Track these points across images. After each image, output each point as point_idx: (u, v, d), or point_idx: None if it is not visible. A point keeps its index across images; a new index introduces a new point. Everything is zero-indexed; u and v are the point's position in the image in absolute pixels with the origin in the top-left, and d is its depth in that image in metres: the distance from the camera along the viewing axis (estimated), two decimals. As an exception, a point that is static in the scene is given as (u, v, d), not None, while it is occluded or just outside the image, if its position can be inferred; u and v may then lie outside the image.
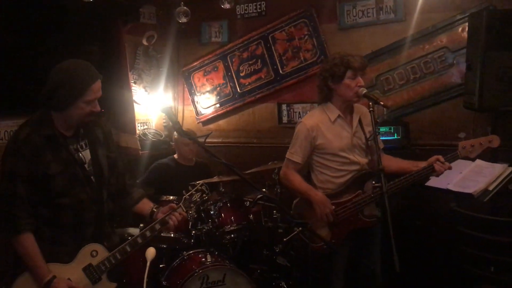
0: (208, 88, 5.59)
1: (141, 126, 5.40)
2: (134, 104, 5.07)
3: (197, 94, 5.66)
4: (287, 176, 3.17)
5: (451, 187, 3.27)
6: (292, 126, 3.24)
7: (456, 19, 4.28)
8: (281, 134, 5.16)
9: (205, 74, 5.58)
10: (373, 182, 3.07)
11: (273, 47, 5.16)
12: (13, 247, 2.35)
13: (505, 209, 3.58)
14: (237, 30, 5.37)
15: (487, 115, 3.92)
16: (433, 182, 2.96)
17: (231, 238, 3.96)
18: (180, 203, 2.68)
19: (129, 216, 3.64)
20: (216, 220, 3.98)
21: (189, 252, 3.71)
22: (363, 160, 3.08)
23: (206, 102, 5.63)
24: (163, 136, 5.49)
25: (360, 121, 3.11)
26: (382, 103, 2.87)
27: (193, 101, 5.70)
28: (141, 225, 3.69)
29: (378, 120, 4.29)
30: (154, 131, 5.48)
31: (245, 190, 4.49)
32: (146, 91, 5.48)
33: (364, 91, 2.95)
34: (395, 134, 4.27)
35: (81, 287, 2.41)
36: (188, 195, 2.71)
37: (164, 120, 5.64)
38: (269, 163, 4.32)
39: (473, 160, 3.15)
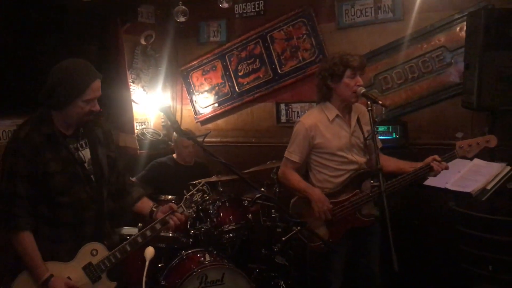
0: (207, 87, 5.59)
1: (139, 125, 5.40)
2: (133, 104, 5.06)
3: (196, 93, 5.66)
4: (285, 175, 3.17)
5: (450, 186, 3.27)
6: (291, 126, 3.24)
7: (454, 18, 4.29)
8: (279, 133, 5.17)
9: (204, 73, 5.58)
10: (372, 181, 3.07)
11: (271, 47, 5.16)
12: (12, 246, 2.35)
13: (503, 208, 3.58)
14: (236, 30, 5.37)
15: (485, 114, 3.92)
16: (431, 181, 2.97)
17: (229, 237, 3.96)
18: (181, 203, 2.67)
19: (127, 216, 3.63)
20: (215, 219, 3.98)
21: (187, 252, 3.71)
22: (362, 160, 3.08)
23: (205, 102, 5.63)
24: (162, 135, 5.48)
25: (358, 121, 3.11)
26: (380, 102, 2.88)
27: (191, 101, 5.70)
28: (139, 224, 3.69)
29: (376, 120, 4.29)
30: (152, 130, 5.48)
31: (243, 189, 4.49)
32: (144, 90, 5.47)
33: (363, 91, 2.95)
34: (394, 134, 4.27)
35: (80, 286, 2.41)
36: (189, 195, 2.71)
37: (163, 120, 5.64)
38: (268, 163, 4.32)
39: (471, 159, 3.15)
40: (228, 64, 5.41)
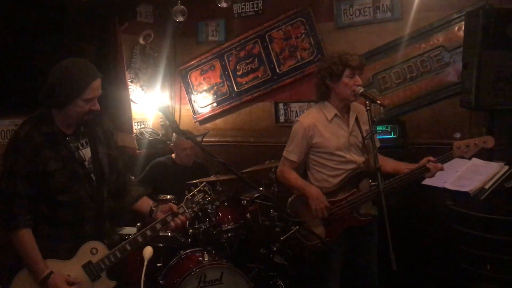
0: (205, 87, 5.59)
1: (138, 125, 5.39)
2: (131, 103, 5.05)
3: (194, 93, 5.66)
4: (283, 173, 3.18)
5: (448, 185, 3.28)
6: (289, 125, 3.24)
7: (453, 18, 4.29)
8: (278, 133, 5.17)
9: (202, 73, 5.58)
10: (370, 181, 3.07)
11: (270, 46, 5.16)
12: (12, 244, 2.36)
13: (502, 208, 3.59)
14: (234, 29, 5.37)
15: (483, 114, 3.93)
16: (429, 180, 2.97)
17: (228, 237, 3.97)
18: (182, 204, 2.67)
19: (126, 216, 3.64)
20: (214, 219, 3.98)
21: (186, 251, 3.72)
22: (360, 159, 3.08)
23: (203, 101, 5.63)
24: (160, 135, 5.48)
25: (357, 120, 3.11)
26: (379, 102, 2.88)
27: (190, 100, 5.70)
28: (138, 224, 3.69)
29: (375, 119, 4.29)
30: (151, 130, 5.48)
31: (242, 189, 4.49)
32: (143, 90, 5.47)
33: (361, 90, 2.95)
34: (392, 133, 4.28)
35: (80, 283, 2.41)
36: (190, 195, 2.70)
37: (161, 119, 5.63)
38: (266, 162, 4.32)
39: (469, 159, 3.15)
40: (227, 63, 5.41)
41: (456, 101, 4.11)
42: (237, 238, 4.04)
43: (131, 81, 5.27)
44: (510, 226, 3.40)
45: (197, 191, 2.71)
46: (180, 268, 3.54)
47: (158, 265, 3.76)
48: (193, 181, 3.95)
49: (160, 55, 5.61)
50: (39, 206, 2.38)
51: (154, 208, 2.70)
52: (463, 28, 3.98)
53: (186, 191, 2.73)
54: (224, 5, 4.93)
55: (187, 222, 3.81)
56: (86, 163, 2.49)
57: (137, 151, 4.99)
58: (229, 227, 3.96)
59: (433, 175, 2.94)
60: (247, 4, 5.22)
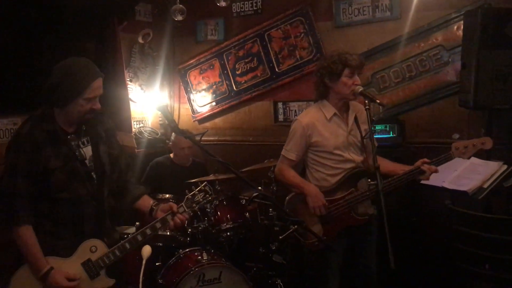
0: (204, 86, 5.59)
1: (137, 124, 5.40)
2: (130, 102, 5.06)
3: (193, 92, 5.66)
4: (282, 171, 3.19)
5: (446, 185, 3.28)
6: (288, 124, 3.24)
7: (452, 17, 4.29)
8: (277, 132, 5.16)
9: (201, 72, 5.58)
10: (369, 180, 3.07)
11: (269, 45, 5.16)
12: (13, 240, 2.38)
13: (500, 207, 3.59)
14: (233, 28, 5.37)
15: (482, 113, 3.93)
16: (428, 180, 2.97)
17: (227, 236, 3.97)
18: (182, 203, 2.67)
19: (126, 214, 3.64)
20: (212, 218, 3.98)
21: (185, 250, 3.71)
22: (358, 158, 3.09)
23: (202, 100, 5.62)
24: (159, 134, 5.49)
25: (356, 119, 3.11)
26: (378, 101, 2.87)
27: (189, 99, 5.70)
28: (137, 223, 3.70)
29: (373, 118, 4.30)
30: (150, 129, 5.48)
31: (241, 188, 4.49)
32: (142, 89, 5.47)
33: (360, 89, 2.95)
34: (391, 132, 4.28)
35: (79, 279, 2.43)
36: (191, 195, 2.70)
37: (160, 118, 5.64)
38: (265, 161, 4.32)
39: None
40: (226, 62, 5.41)
41: (455, 101, 4.12)
42: (236, 237, 4.03)
43: (130, 80, 5.27)
44: (509, 225, 3.40)
45: (197, 191, 2.71)
46: (179, 267, 3.54)
47: (157, 264, 3.76)
48: (193, 180, 3.97)
49: (159, 54, 5.60)
50: (40, 203, 2.40)
51: (154, 207, 2.71)
52: (462, 27, 3.98)
53: (186, 191, 2.73)
54: (223, 4, 4.93)
55: (186, 221, 3.84)
56: (87, 161, 2.51)
57: (136, 150, 4.99)
58: (228, 226, 3.96)
59: (427, 178, 2.93)
60: (246, 3, 5.22)
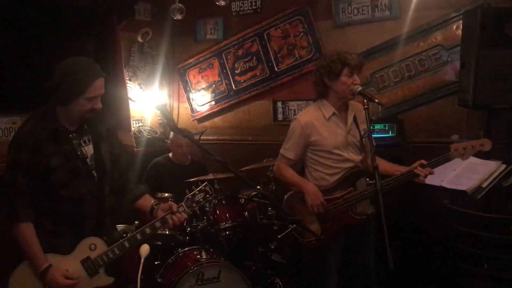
0: (203, 85, 5.59)
1: (136, 123, 5.40)
2: (129, 101, 5.06)
3: (192, 91, 5.66)
4: (280, 170, 3.19)
5: (445, 184, 3.29)
6: (287, 124, 3.24)
7: (451, 16, 4.30)
8: (276, 131, 5.16)
9: (200, 71, 5.58)
10: (367, 179, 3.08)
11: (268, 44, 5.16)
12: (13, 237, 2.39)
13: (499, 206, 3.60)
14: (232, 27, 5.37)
15: (481, 112, 3.94)
16: (427, 179, 2.97)
17: (226, 235, 3.97)
18: (182, 203, 2.68)
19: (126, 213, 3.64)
20: (211, 217, 3.99)
21: (184, 249, 3.72)
22: (357, 158, 3.09)
23: (201, 99, 5.62)
24: (158, 133, 5.49)
25: (355, 119, 3.11)
26: (377, 100, 2.87)
27: (188, 98, 5.70)
28: (136, 222, 3.70)
29: (373, 118, 4.30)
30: (149, 128, 5.48)
31: (240, 187, 4.50)
32: (141, 88, 5.47)
33: (359, 89, 2.95)
34: (390, 132, 4.29)
35: (77, 278, 2.43)
36: (191, 195, 2.70)
37: (159, 118, 5.64)
38: (264, 161, 4.32)
39: (465, 159, 3.16)
40: (225, 62, 5.41)
41: (454, 100, 4.12)
42: (235, 236, 4.04)
43: (129, 79, 5.27)
44: (507, 225, 3.41)
45: (198, 191, 2.71)
46: (178, 266, 3.54)
47: (156, 263, 3.76)
48: (192, 180, 3.98)
49: (158, 53, 5.60)
50: (40, 201, 2.42)
51: (155, 206, 2.71)
52: (461, 27, 3.98)
53: (187, 190, 2.73)
54: (222, 3, 4.92)
55: (185, 221, 3.85)
56: (88, 160, 2.52)
57: (135, 149, 4.99)
58: (227, 225, 3.97)
59: (422, 181, 2.93)
60: (246, 2, 5.22)
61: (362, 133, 3.06)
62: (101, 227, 2.55)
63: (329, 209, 3.00)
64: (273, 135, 5.17)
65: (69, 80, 2.36)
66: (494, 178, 3.22)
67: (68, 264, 2.43)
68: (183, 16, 4.97)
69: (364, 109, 2.85)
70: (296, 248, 3.98)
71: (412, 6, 4.41)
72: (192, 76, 5.63)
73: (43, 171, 2.37)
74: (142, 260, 2.26)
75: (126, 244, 2.54)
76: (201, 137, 2.48)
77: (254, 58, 5.25)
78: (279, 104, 5.23)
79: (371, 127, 2.89)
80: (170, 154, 4.59)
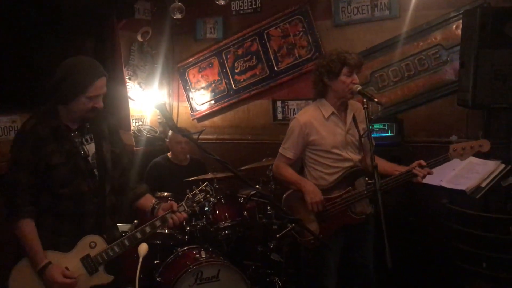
0: (203, 84, 5.59)
1: (135, 122, 5.40)
2: (129, 100, 5.06)
3: (192, 90, 5.66)
4: (279, 169, 3.19)
5: (444, 184, 3.29)
6: (287, 123, 3.24)
7: (450, 16, 4.30)
8: (275, 131, 5.16)
9: (200, 70, 5.58)
10: (366, 178, 3.08)
11: (268, 44, 5.16)
12: (14, 234, 2.41)
13: (498, 206, 3.60)
14: (232, 27, 5.37)
15: (480, 112, 3.94)
16: (426, 178, 2.98)
17: (225, 234, 3.97)
18: (182, 202, 2.68)
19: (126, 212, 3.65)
20: (211, 216, 3.99)
21: (183, 248, 3.72)
22: (356, 157, 3.09)
23: (201, 99, 5.63)
24: (158, 132, 5.49)
25: (354, 118, 3.11)
26: (376, 100, 2.87)
27: (188, 98, 5.70)
28: (135, 221, 3.70)
29: (372, 117, 4.30)
30: (149, 127, 5.48)
31: (239, 186, 4.50)
32: (141, 87, 5.47)
33: (359, 88, 2.95)
34: (389, 131, 4.28)
35: (77, 277, 2.44)
36: (191, 195, 2.71)
37: (159, 117, 5.64)
38: (264, 160, 4.33)
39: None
40: (225, 61, 5.41)
41: (453, 100, 4.12)
42: (234, 236, 4.04)
43: (129, 78, 5.27)
44: (507, 224, 3.41)
45: (198, 191, 2.72)
46: (177, 265, 3.54)
47: (155, 262, 3.76)
48: (191, 179, 3.98)
49: (158, 52, 5.60)
50: (41, 198, 2.43)
51: (156, 206, 2.73)
52: (461, 26, 3.98)
53: (187, 190, 2.74)
54: (222, 2, 4.92)
55: (184, 220, 3.85)
56: (89, 158, 2.54)
57: (135, 149, 4.99)
58: (226, 224, 3.97)
59: (420, 181, 2.93)
60: (245, 2, 5.22)
61: (362, 132, 3.06)
62: (101, 225, 2.56)
63: (328, 208, 3.00)
64: (272, 134, 5.17)
65: (71, 79, 2.38)
66: (493, 178, 3.22)
67: (68, 262, 2.45)
68: (183, 15, 4.98)
69: (364, 108, 2.85)
70: (295, 248, 3.98)
71: (412, 5, 4.41)
72: (192, 75, 5.63)
73: (45, 168, 2.39)
74: (140, 259, 2.27)
75: (126, 242, 2.55)
76: (201, 136, 2.48)
77: (254, 57, 5.25)
78: (279, 103, 5.23)
79: (370, 127, 2.88)
80: (169, 154, 4.59)
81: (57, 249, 2.45)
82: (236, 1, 5.25)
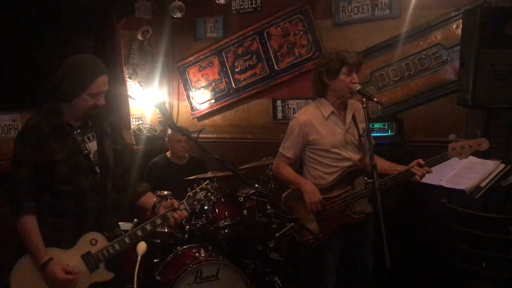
0: (203, 83, 5.59)
1: (136, 121, 5.40)
2: (129, 99, 5.06)
3: (192, 89, 5.66)
4: (279, 168, 3.20)
5: (444, 183, 3.29)
6: (287, 122, 3.25)
7: (451, 16, 4.30)
8: (275, 130, 5.16)
9: (200, 69, 5.58)
10: (366, 178, 3.08)
11: (268, 43, 5.16)
12: (16, 230, 2.43)
13: (497, 206, 3.60)
14: (233, 26, 5.37)
15: (480, 112, 3.93)
16: (425, 178, 2.97)
17: (225, 233, 3.98)
18: (183, 200, 2.69)
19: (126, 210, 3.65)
20: (210, 215, 3.99)
21: (183, 247, 3.72)
22: (356, 157, 3.09)
23: (201, 98, 5.63)
24: (158, 131, 5.49)
25: (353, 117, 3.11)
26: (375, 99, 2.86)
27: (188, 97, 5.70)
28: (135, 220, 3.70)
29: (372, 116, 4.30)
30: (149, 126, 5.48)
31: (239, 185, 4.50)
32: (141, 86, 5.47)
33: (358, 87, 2.95)
34: (389, 131, 4.28)
35: (78, 273, 2.46)
36: (192, 193, 2.72)
37: (159, 116, 5.64)
38: (264, 159, 4.33)
39: (464, 158, 3.16)
40: (225, 60, 5.41)
41: (453, 99, 4.12)
42: (233, 235, 4.04)
43: (129, 77, 5.27)
44: (506, 224, 3.41)
45: (199, 189, 2.72)
46: (176, 264, 3.55)
47: (155, 260, 3.76)
48: (191, 178, 3.98)
49: (158, 51, 5.60)
50: (43, 195, 2.45)
51: (157, 204, 2.74)
52: (461, 26, 3.98)
53: (188, 188, 2.74)
54: (222, 1, 4.93)
55: (184, 218, 3.86)
56: (91, 155, 2.56)
57: (135, 147, 4.99)
58: (225, 223, 3.97)
59: (419, 180, 2.93)
60: (246, 1, 5.23)
61: (361, 132, 3.06)
62: (102, 223, 2.57)
63: (327, 207, 3.00)
64: (272, 134, 5.17)
65: (73, 76, 2.41)
66: (493, 178, 3.22)
67: (69, 258, 2.46)
68: (183, 14, 4.98)
69: (363, 108, 2.84)
70: (295, 247, 3.99)
71: (412, 5, 4.41)
72: (192, 74, 5.63)
73: (47, 165, 2.41)
74: (139, 258, 2.27)
75: (127, 239, 2.56)
76: (201, 135, 2.49)
77: (254, 56, 5.25)
78: (279, 102, 5.23)
79: (370, 126, 2.88)
80: (168, 153, 4.59)
81: (58, 246, 2.46)
82: (237, 0, 5.25)
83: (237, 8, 5.29)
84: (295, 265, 4.09)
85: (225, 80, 5.45)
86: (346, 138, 3.07)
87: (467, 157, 2.93)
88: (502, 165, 3.27)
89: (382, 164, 3.04)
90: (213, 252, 3.68)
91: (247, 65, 5.32)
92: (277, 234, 2.83)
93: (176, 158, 4.54)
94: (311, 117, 3.08)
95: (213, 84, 5.53)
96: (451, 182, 3.27)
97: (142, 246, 2.33)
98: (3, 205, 2.44)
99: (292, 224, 2.53)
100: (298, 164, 3.25)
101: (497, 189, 3.37)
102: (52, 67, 2.49)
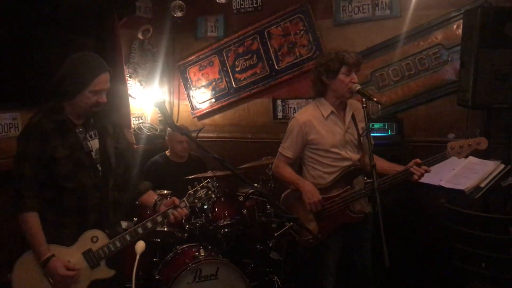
0: (204, 82, 5.59)
1: (136, 120, 5.40)
2: (129, 98, 5.06)
3: (193, 88, 5.66)
4: (278, 168, 3.20)
5: (443, 183, 3.28)
6: (287, 122, 3.25)
7: (451, 16, 4.29)
8: (275, 129, 5.16)
9: (201, 68, 5.58)
10: (365, 178, 3.08)
11: (268, 42, 5.16)
12: (19, 226, 2.45)
13: (497, 206, 3.60)
14: (233, 25, 5.37)
15: (480, 112, 3.94)
16: (425, 178, 2.97)
17: (224, 232, 3.97)
18: (184, 198, 2.71)
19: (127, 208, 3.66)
20: (210, 214, 3.99)
21: (182, 246, 3.72)
22: (355, 157, 3.09)
23: (202, 97, 5.63)
24: (158, 130, 5.49)
25: (353, 117, 3.11)
26: (375, 99, 2.86)
27: (188, 96, 5.71)
28: (135, 219, 3.70)
29: (372, 116, 4.30)
30: (149, 125, 5.49)
31: (239, 184, 4.50)
32: (141, 85, 5.47)
33: (358, 87, 2.95)
34: (389, 131, 4.28)
35: (79, 269, 2.47)
36: (193, 191, 2.73)
37: (159, 115, 5.64)
38: (264, 158, 4.33)
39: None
40: (225, 59, 5.41)
41: (453, 99, 4.12)
42: (233, 234, 4.04)
43: (130, 76, 5.27)
44: (506, 224, 3.41)
45: (200, 187, 2.73)
46: (176, 263, 3.55)
47: (154, 260, 3.77)
48: (191, 177, 3.98)
49: (159, 50, 5.60)
50: (46, 191, 2.47)
51: (158, 202, 2.76)
52: (461, 26, 3.98)
53: (189, 187, 2.75)
54: (223, 0, 4.93)
55: (184, 216, 3.86)
56: (93, 153, 2.58)
57: (135, 146, 4.99)
58: (225, 222, 3.97)
59: (417, 179, 2.93)
60: (246, 0, 5.22)
61: (360, 131, 3.06)
62: (104, 220, 2.59)
63: (326, 207, 3.00)
64: (272, 133, 5.18)
65: (75, 74, 2.43)
66: (493, 178, 3.21)
67: (70, 255, 2.48)
68: (183, 13, 4.98)
69: (363, 107, 2.84)
70: (294, 246, 3.99)
71: (413, 5, 4.41)
72: (193, 73, 5.63)
73: (49, 161, 2.43)
74: (137, 257, 2.28)
75: (128, 237, 2.58)
76: (201, 135, 2.50)
77: (255, 56, 5.25)
78: (279, 102, 5.23)
79: (370, 126, 2.88)
80: (167, 152, 4.59)
81: (59, 243, 2.48)
82: (237, 0, 5.25)
83: (238, 7, 5.29)
84: (295, 265, 4.09)
85: (225, 80, 5.45)
86: (346, 138, 3.07)
87: (466, 156, 2.92)
88: (502, 165, 3.26)
89: (382, 164, 3.04)
90: (212, 251, 3.68)
91: (247, 65, 5.32)
92: (276, 234, 2.84)
93: (175, 156, 4.54)
94: (311, 117, 3.08)
95: (214, 83, 5.53)
96: (451, 182, 3.27)
97: (140, 245, 2.34)
98: (3, 204, 2.44)
99: (292, 223, 2.54)
100: (298, 164, 3.25)
101: (497, 189, 3.38)
102: (52, 66, 2.50)
